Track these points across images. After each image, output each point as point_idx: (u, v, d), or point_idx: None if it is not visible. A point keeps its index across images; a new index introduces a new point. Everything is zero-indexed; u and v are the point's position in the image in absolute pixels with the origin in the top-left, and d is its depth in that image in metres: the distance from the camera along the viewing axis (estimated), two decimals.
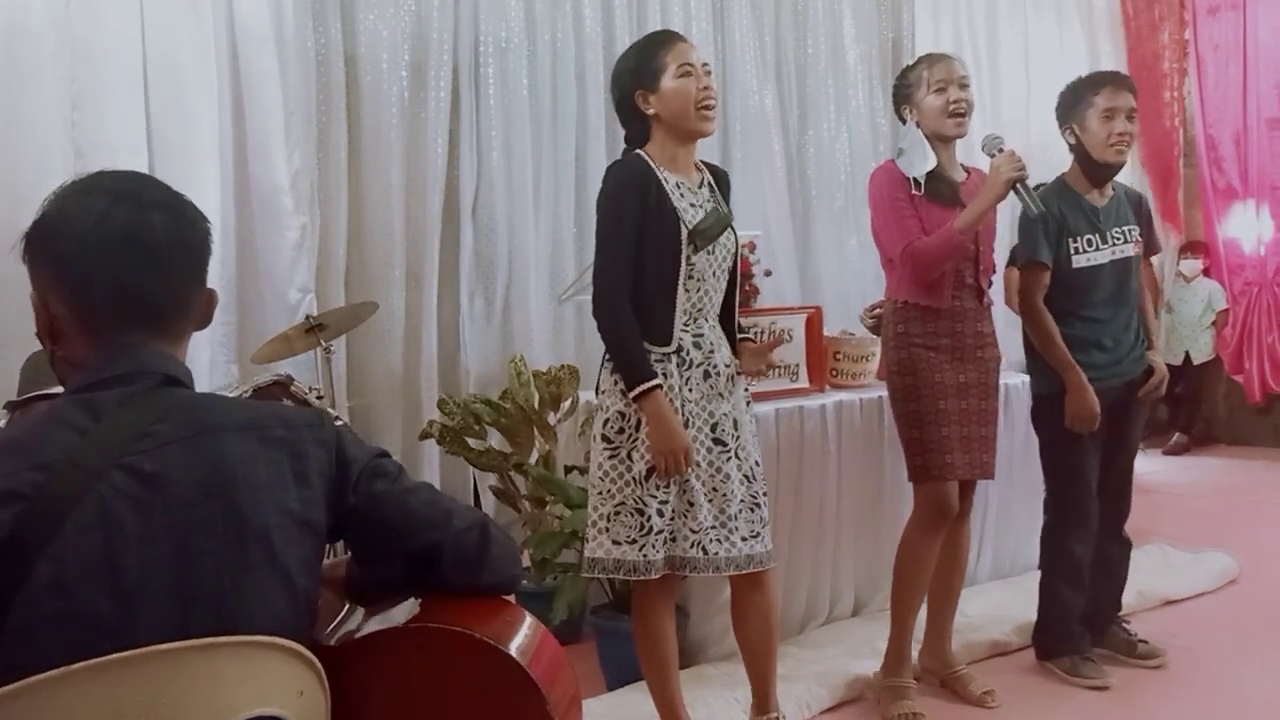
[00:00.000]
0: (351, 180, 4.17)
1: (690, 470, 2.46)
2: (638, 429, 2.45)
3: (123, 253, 1.22)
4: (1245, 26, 7.12)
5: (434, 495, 1.35)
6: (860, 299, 3.90)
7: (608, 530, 2.47)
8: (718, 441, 2.53)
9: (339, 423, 2.25)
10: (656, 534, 2.45)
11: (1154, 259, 3.48)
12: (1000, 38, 6.17)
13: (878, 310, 3.54)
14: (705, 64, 2.56)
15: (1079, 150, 3.22)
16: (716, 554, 2.49)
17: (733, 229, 2.61)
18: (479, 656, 1.23)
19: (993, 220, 3.06)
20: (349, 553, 1.37)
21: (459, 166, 4.39)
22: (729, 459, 2.53)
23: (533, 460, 3.75)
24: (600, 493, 2.49)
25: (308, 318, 3.56)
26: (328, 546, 1.32)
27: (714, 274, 2.56)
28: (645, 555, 2.45)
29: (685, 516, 2.48)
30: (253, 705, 1.13)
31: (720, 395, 2.55)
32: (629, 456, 2.47)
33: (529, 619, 1.33)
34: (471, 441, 3.76)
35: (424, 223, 4.26)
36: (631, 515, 2.46)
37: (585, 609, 3.42)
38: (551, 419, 3.77)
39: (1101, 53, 6.66)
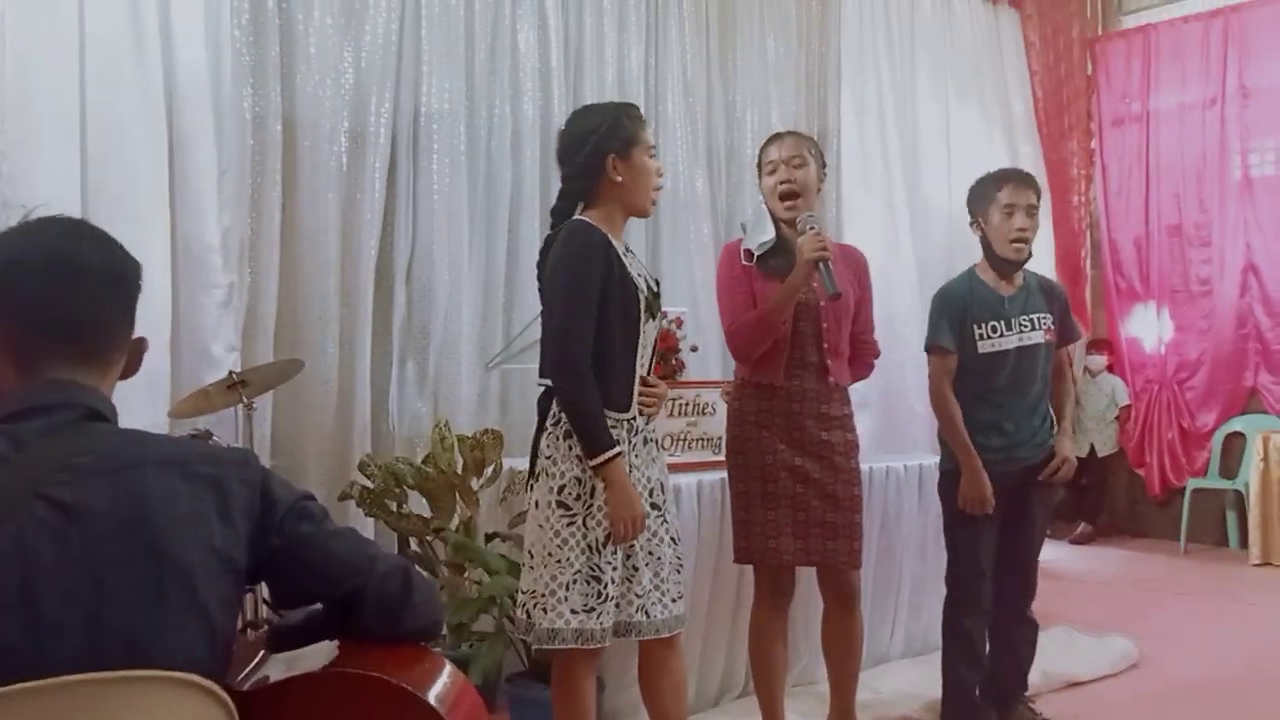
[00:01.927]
0: (285, 241, 4.16)
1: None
2: (593, 495, 2.45)
3: (52, 275, 1.24)
4: (1148, 139, 7.51)
5: (358, 540, 1.36)
6: None
7: (566, 599, 2.43)
8: (654, 506, 2.56)
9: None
10: (609, 601, 2.45)
11: (1070, 347, 3.59)
12: (922, 130, 6.38)
13: None
14: None
15: (984, 243, 3.36)
16: (656, 616, 2.50)
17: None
18: (397, 704, 1.23)
19: (848, 299, 2.98)
20: (269, 595, 1.37)
21: (394, 232, 4.42)
22: (662, 523, 2.58)
23: (453, 526, 3.72)
24: (558, 561, 2.44)
25: (231, 373, 3.53)
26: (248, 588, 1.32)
27: (650, 341, 2.62)
28: (601, 623, 2.44)
29: (629, 582, 2.49)
30: None
31: (653, 460, 2.60)
32: (584, 524, 2.45)
33: (449, 667, 1.33)
34: (392, 505, 3.73)
35: (357, 286, 4.26)
36: (588, 583, 2.44)
37: (500, 676, 3.38)
38: (474, 484, 3.76)
39: (1021, 154, 6.95)
